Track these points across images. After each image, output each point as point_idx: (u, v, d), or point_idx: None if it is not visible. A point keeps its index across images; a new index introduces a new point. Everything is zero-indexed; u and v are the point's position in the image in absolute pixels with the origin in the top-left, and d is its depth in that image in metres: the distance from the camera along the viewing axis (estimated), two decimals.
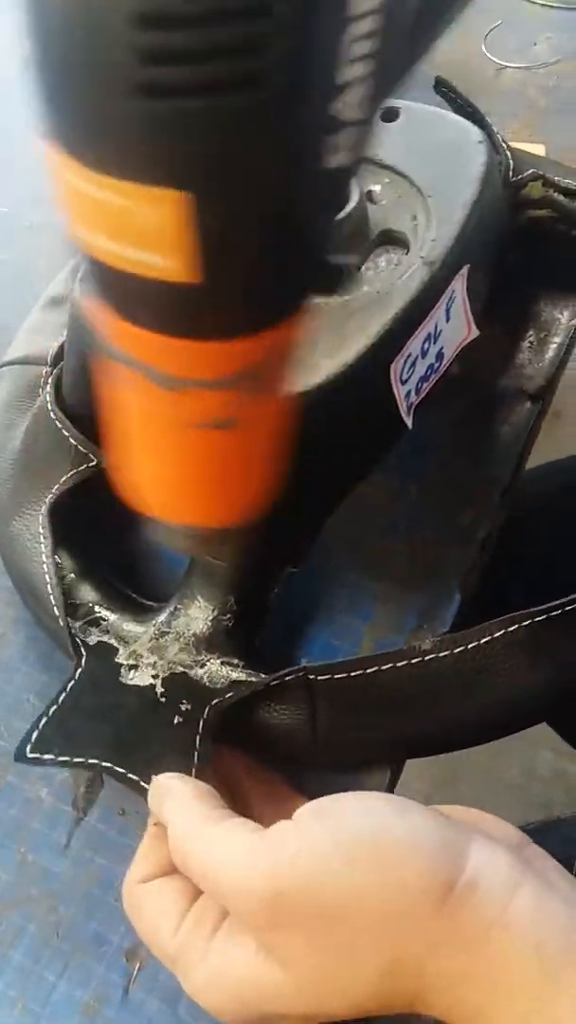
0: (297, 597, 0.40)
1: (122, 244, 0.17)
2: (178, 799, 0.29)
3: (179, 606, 0.36)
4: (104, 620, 0.36)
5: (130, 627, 0.36)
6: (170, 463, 0.25)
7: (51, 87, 0.16)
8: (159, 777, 0.31)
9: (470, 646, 0.34)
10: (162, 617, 0.36)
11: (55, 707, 0.33)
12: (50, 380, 0.39)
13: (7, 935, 0.34)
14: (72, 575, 0.36)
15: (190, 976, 0.27)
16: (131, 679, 0.34)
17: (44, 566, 0.35)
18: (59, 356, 0.42)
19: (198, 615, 0.36)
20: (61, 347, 0.43)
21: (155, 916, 0.28)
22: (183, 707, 0.33)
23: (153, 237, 0.17)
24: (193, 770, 0.32)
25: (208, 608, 0.36)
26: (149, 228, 0.16)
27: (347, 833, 0.25)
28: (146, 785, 0.31)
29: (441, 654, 0.34)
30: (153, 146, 0.15)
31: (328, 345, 0.33)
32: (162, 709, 0.33)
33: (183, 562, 0.38)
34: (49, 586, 0.35)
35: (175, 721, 0.33)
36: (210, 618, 0.36)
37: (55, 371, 0.40)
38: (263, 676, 0.34)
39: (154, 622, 0.36)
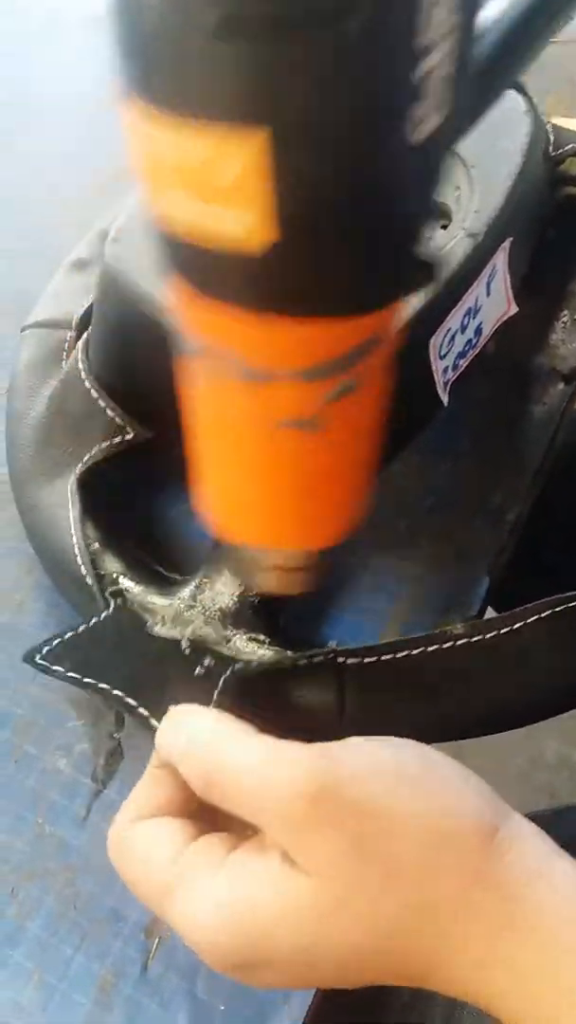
0: (322, 576, 0.39)
1: (202, 201, 0.16)
2: (204, 716, 0.27)
3: (205, 580, 0.35)
4: (128, 591, 0.35)
5: (154, 599, 0.35)
6: (256, 474, 0.23)
7: (132, 29, 0.15)
8: (179, 706, 0.28)
9: (504, 631, 0.33)
10: (187, 591, 0.35)
11: (73, 633, 0.32)
12: (80, 346, 0.38)
13: (24, 906, 0.34)
14: (96, 544, 0.35)
15: (188, 901, 0.24)
16: (157, 631, 0.33)
17: (72, 534, 0.34)
18: (85, 321, 0.41)
19: (224, 590, 0.35)
20: (87, 311, 0.42)
21: (150, 848, 0.25)
22: (206, 662, 0.33)
23: (233, 188, 0.16)
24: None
25: (234, 583, 0.35)
26: (230, 175, 0.16)
27: (401, 751, 0.24)
28: (155, 722, 0.30)
29: (473, 638, 0.33)
30: (235, 81, 0.14)
31: None
32: (184, 659, 0.33)
33: (208, 536, 0.37)
34: (76, 548, 0.34)
35: (196, 672, 0.32)
36: (236, 593, 0.35)
37: (85, 336, 0.39)
38: (290, 654, 0.33)
39: (179, 595, 0.35)
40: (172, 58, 0.15)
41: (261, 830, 0.24)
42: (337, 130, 0.15)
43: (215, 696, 0.31)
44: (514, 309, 0.37)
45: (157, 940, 0.33)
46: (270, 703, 0.34)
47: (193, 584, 0.35)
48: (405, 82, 0.15)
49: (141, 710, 0.31)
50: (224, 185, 0.16)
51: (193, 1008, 0.32)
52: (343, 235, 0.17)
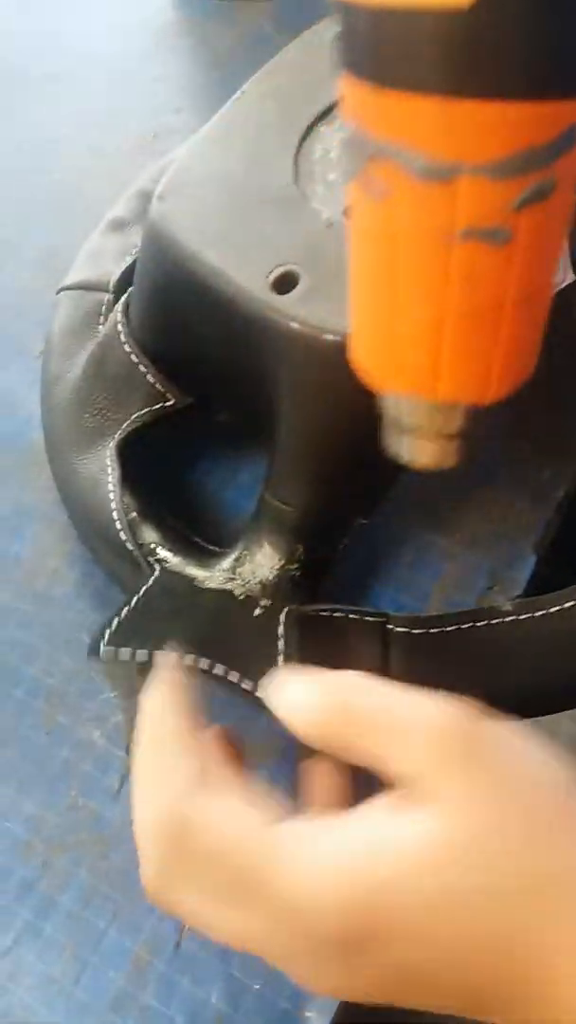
0: (363, 552, 0.38)
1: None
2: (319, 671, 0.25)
3: (245, 552, 0.34)
4: (166, 562, 0.34)
5: (192, 571, 0.34)
6: (429, 299, 0.21)
7: None
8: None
9: (554, 609, 0.32)
10: (226, 563, 0.34)
11: (128, 608, 0.32)
12: (120, 308, 0.37)
13: (56, 879, 0.33)
14: (134, 514, 0.34)
15: (294, 864, 0.21)
16: (207, 583, 0.33)
17: (111, 500, 0.33)
18: (123, 282, 0.40)
19: (264, 562, 0.34)
20: (125, 273, 0.40)
21: (230, 817, 0.23)
22: (263, 603, 0.32)
23: None
24: (280, 657, 0.30)
25: (275, 556, 0.34)
26: None
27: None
28: (233, 678, 0.30)
29: (522, 616, 0.32)
30: None
31: None
32: (241, 604, 0.32)
33: (247, 507, 0.36)
34: (115, 512, 0.33)
35: (256, 613, 0.32)
36: (277, 566, 0.34)
37: (124, 298, 0.38)
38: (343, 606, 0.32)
39: (218, 567, 0.34)
40: None
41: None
42: None
43: (281, 631, 0.31)
44: (571, 278, 0.36)
45: None
46: (324, 651, 0.33)
47: (232, 556, 0.34)
48: None
49: (218, 669, 0.31)
50: None
51: (227, 987, 0.31)
52: None
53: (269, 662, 0.31)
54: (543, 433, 0.40)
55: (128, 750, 0.35)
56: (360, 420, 0.32)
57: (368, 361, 0.25)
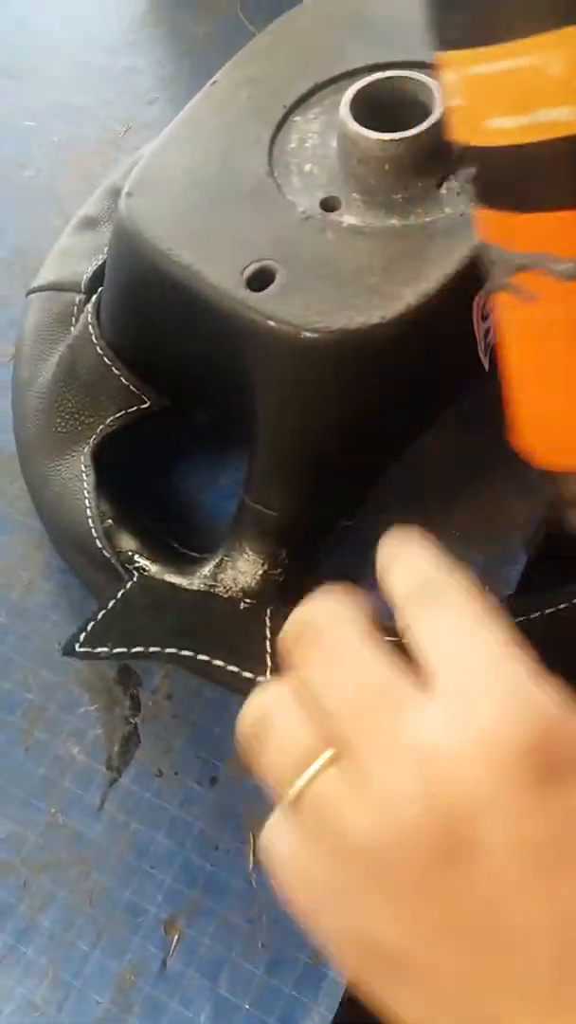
0: (348, 553, 0.37)
1: (531, 109, 0.18)
2: None
3: (226, 558, 0.33)
4: (145, 571, 0.33)
5: (172, 579, 0.33)
6: None
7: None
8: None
9: (547, 612, 0.31)
10: (207, 569, 0.33)
11: (106, 610, 0.31)
12: (90, 309, 0.36)
13: (37, 900, 0.32)
14: (111, 521, 0.33)
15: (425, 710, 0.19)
16: (186, 584, 0.32)
17: (86, 508, 0.32)
18: (95, 282, 0.39)
19: (246, 568, 0.33)
20: (96, 272, 0.39)
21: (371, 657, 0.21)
22: (246, 601, 0.31)
23: (563, 87, 0.17)
24: (268, 643, 0.30)
25: (257, 561, 0.33)
26: (559, 79, 0.17)
27: None
28: (219, 663, 0.29)
29: (518, 618, 0.31)
30: None
31: (406, 272, 0.29)
32: (225, 599, 0.31)
33: (228, 510, 0.35)
34: (91, 520, 0.32)
35: (240, 607, 0.31)
36: (259, 572, 0.33)
37: (95, 299, 0.36)
38: None
39: (199, 574, 0.33)
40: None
41: None
42: None
43: (268, 619, 0.30)
44: None
45: (177, 935, 0.31)
46: None
47: (213, 563, 0.33)
48: None
49: (202, 657, 0.30)
50: (553, 87, 0.17)
51: (216, 1007, 0.30)
52: None
53: (257, 649, 0.30)
54: None
55: (109, 765, 0.34)
56: (341, 418, 0.31)
57: (539, 445, 0.26)
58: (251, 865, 0.32)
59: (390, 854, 0.18)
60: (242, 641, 0.29)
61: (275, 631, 0.30)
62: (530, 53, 0.17)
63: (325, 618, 0.22)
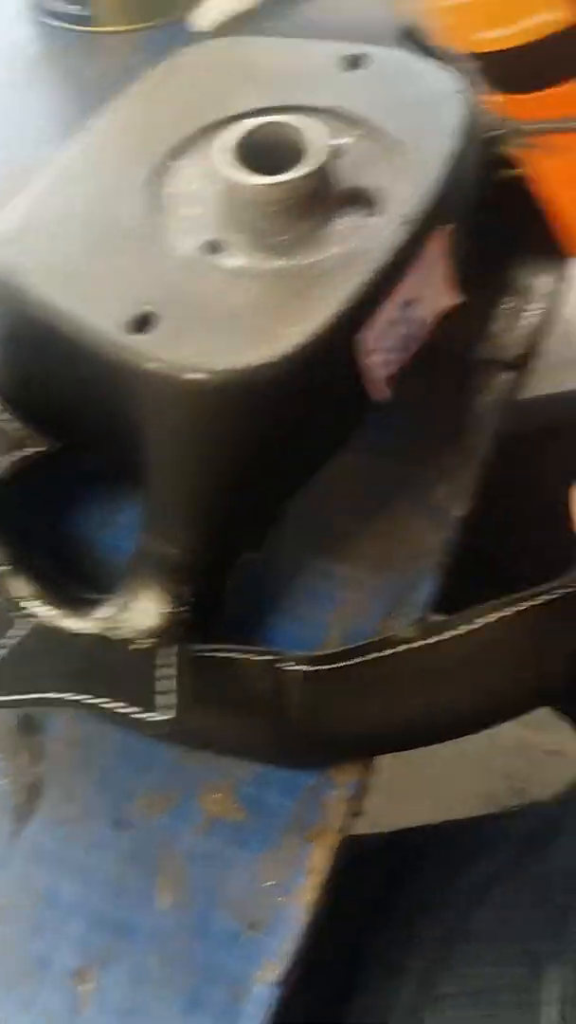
0: (256, 587, 0.37)
1: (514, 21, 0.21)
2: None
3: (128, 599, 0.33)
4: (41, 617, 0.33)
5: (71, 622, 0.33)
6: None
7: None
8: None
9: (457, 632, 0.32)
10: (108, 612, 0.33)
11: None
12: None
13: None
14: (6, 567, 0.33)
15: None
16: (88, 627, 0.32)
17: None
18: None
19: (149, 608, 0.33)
20: None
21: None
22: (139, 643, 0.32)
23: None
24: (156, 683, 0.30)
25: (160, 600, 0.33)
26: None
27: None
28: (115, 705, 0.30)
29: (424, 641, 0.32)
30: None
31: (291, 312, 0.30)
32: (121, 643, 0.32)
33: (126, 550, 0.35)
34: None
35: (132, 649, 0.31)
36: (163, 611, 0.33)
37: None
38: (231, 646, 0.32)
39: (100, 616, 0.33)
40: None
41: None
42: None
43: (156, 671, 0.29)
44: (458, 299, 0.36)
45: (89, 984, 0.31)
46: (215, 689, 0.32)
47: (115, 605, 0.33)
48: None
49: (97, 701, 0.30)
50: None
51: None
52: None
53: (148, 689, 0.30)
54: (435, 453, 0.40)
55: (14, 815, 0.33)
56: (232, 457, 0.31)
57: None
58: (163, 905, 0.32)
59: None
60: (135, 682, 0.29)
61: (182, 671, 0.30)
62: None
63: None
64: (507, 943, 0.40)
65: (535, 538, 0.40)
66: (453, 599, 0.37)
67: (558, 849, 0.42)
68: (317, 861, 0.32)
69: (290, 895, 0.31)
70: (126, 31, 0.59)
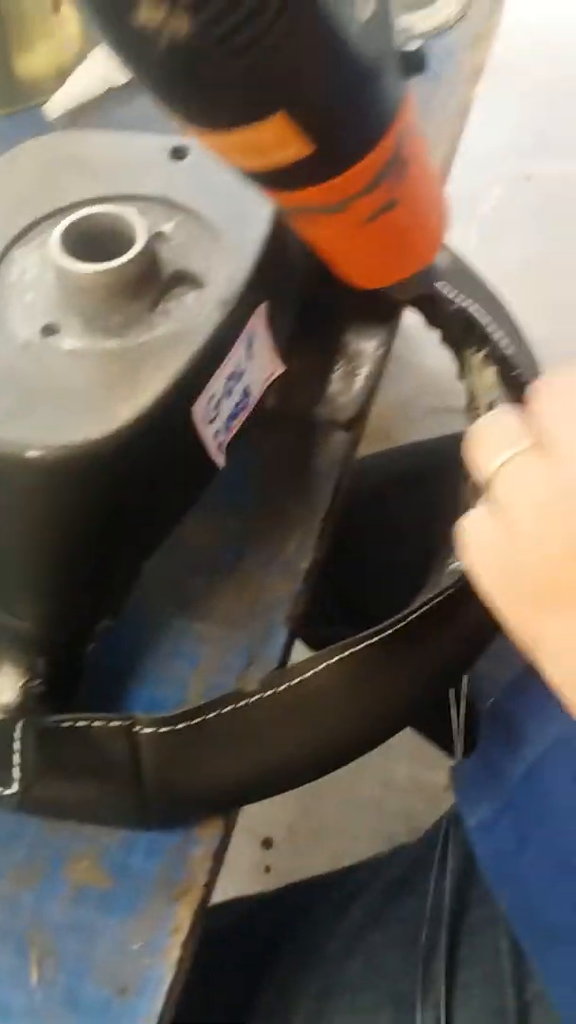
0: (117, 650, 0.38)
1: (264, 159, 0.26)
2: None
3: None
4: None
5: None
6: (374, 249, 0.34)
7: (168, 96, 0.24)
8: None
9: (294, 682, 0.34)
10: None
11: None
12: None
13: None
14: None
15: None
16: None
17: None
18: None
19: (4, 684, 0.33)
20: None
21: None
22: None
23: (276, 145, 0.25)
24: (16, 755, 0.30)
25: (15, 674, 0.34)
26: (271, 142, 0.25)
27: None
28: None
29: (267, 693, 0.34)
30: (244, 99, 0.23)
31: (123, 389, 0.32)
32: None
33: None
34: None
35: None
36: (19, 684, 0.33)
37: None
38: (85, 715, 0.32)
39: None
40: (207, 105, 0.23)
41: None
42: (319, 79, 0.23)
43: (15, 746, 0.30)
44: (281, 368, 0.38)
45: None
46: (68, 759, 0.32)
47: None
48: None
49: None
50: (268, 146, 0.25)
51: None
52: (348, 119, 0.26)
53: (5, 762, 0.30)
54: (282, 510, 0.42)
55: None
56: (74, 530, 0.33)
57: (362, 281, 0.37)
58: (35, 981, 0.32)
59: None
60: None
61: (26, 744, 0.30)
62: (251, 132, 0.25)
63: None
64: (379, 989, 0.41)
65: (394, 583, 0.42)
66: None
67: (424, 888, 0.44)
68: (182, 919, 0.33)
69: (156, 956, 0.32)
70: None
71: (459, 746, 0.46)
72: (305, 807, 1.01)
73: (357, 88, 0.25)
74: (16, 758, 0.30)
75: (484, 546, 0.26)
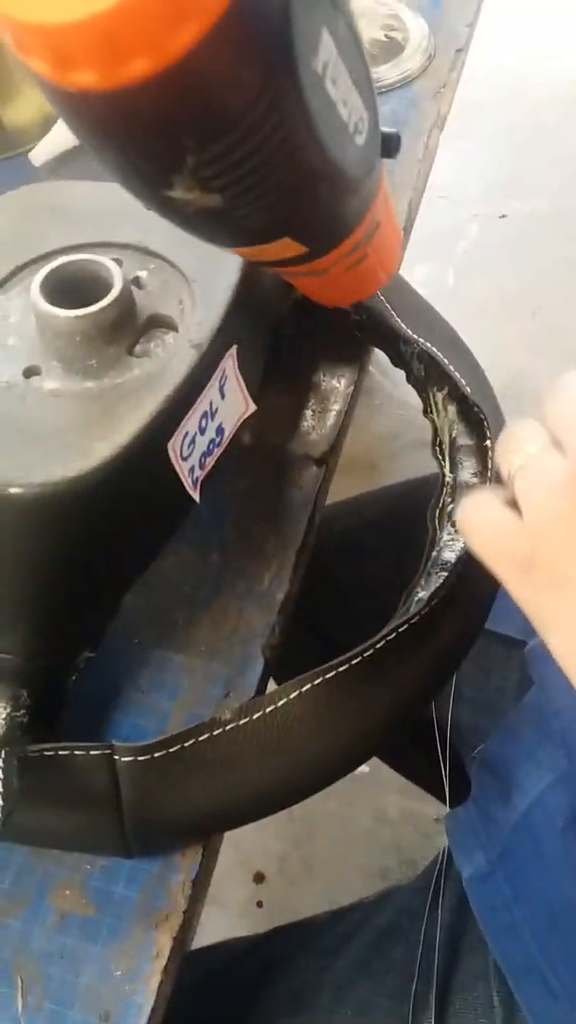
0: (98, 682, 0.39)
1: (261, 258, 0.28)
2: None
3: None
4: None
5: None
6: (343, 286, 0.37)
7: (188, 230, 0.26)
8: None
9: (268, 710, 0.34)
10: None
11: None
12: None
13: None
14: None
15: None
16: None
17: None
18: None
19: None
20: None
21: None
22: None
23: (275, 253, 0.27)
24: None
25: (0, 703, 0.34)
26: (271, 252, 0.27)
27: None
28: None
29: (241, 722, 0.34)
30: (258, 236, 0.26)
31: (101, 428, 0.33)
32: None
33: None
34: None
35: None
36: (2, 716, 0.34)
37: None
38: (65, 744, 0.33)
39: None
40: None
41: None
42: (298, 192, 0.24)
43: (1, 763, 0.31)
44: (252, 408, 0.40)
45: None
46: (50, 786, 0.33)
47: None
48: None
49: None
50: (277, 254, 0.28)
51: None
52: (331, 221, 0.28)
53: None
54: (258, 543, 0.44)
55: None
56: (54, 564, 0.34)
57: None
58: (20, 1008, 0.33)
59: None
60: None
61: (8, 772, 0.31)
62: (256, 249, 0.27)
63: None
64: None
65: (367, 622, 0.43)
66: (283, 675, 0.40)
67: (415, 937, 0.44)
68: (163, 945, 0.33)
69: (138, 982, 0.33)
70: None
71: (448, 795, 0.46)
72: (297, 840, 1.01)
73: (349, 197, 0.27)
74: (1, 786, 0.31)
75: (495, 530, 0.28)
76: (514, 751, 0.42)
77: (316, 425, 0.47)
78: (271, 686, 0.42)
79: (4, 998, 0.33)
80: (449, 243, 1.47)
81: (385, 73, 0.61)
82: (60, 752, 0.33)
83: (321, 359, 0.48)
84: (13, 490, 0.32)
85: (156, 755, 0.34)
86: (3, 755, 0.32)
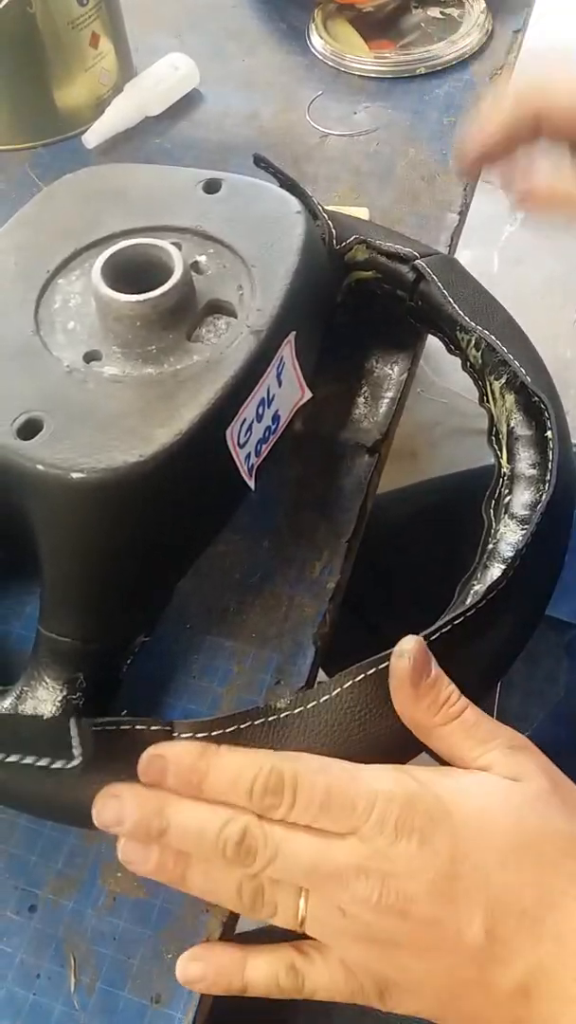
0: (151, 666, 0.40)
1: None
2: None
3: (25, 688, 0.35)
4: None
5: None
6: None
7: None
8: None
9: (322, 699, 0.34)
10: (7, 702, 0.34)
11: None
12: None
13: None
14: None
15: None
16: None
17: None
18: None
19: (46, 697, 0.35)
20: None
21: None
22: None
23: None
24: (75, 750, 0.31)
25: (56, 688, 0.35)
26: None
27: None
28: (29, 760, 0.30)
29: (296, 710, 0.34)
30: None
31: (161, 415, 0.33)
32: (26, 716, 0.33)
33: (28, 643, 0.37)
34: None
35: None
36: (59, 699, 0.35)
37: None
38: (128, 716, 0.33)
39: (1, 706, 0.34)
40: None
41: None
42: None
43: (74, 737, 0.31)
44: (308, 395, 0.39)
45: None
46: (114, 760, 0.33)
47: (13, 695, 0.35)
48: None
49: (10, 759, 0.30)
50: None
51: None
52: None
53: (64, 741, 0.31)
54: (309, 531, 0.44)
55: None
56: (115, 548, 0.34)
57: None
58: (73, 988, 0.33)
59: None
60: (49, 740, 0.30)
61: (82, 736, 0.31)
62: None
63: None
64: None
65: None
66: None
67: None
68: (213, 929, 0.34)
69: None
70: (19, 149, 0.63)
71: None
72: None
73: None
74: (74, 741, 0.31)
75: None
76: (568, 735, 0.41)
77: (368, 413, 0.46)
78: (320, 674, 0.42)
79: (57, 977, 0.33)
80: (494, 229, 1.45)
81: (441, 51, 0.60)
82: (123, 726, 0.33)
83: (374, 346, 0.47)
84: (75, 475, 0.32)
85: (214, 733, 0.34)
86: (73, 720, 0.31)
